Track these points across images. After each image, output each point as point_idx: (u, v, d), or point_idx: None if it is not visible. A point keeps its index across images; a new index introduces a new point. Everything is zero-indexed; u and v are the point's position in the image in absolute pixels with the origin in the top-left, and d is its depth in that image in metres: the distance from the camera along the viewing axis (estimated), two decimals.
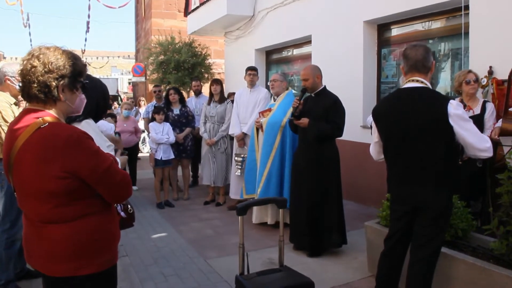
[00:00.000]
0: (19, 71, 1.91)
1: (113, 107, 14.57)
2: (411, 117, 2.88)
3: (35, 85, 1.85)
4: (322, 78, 4.81)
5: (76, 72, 1.97)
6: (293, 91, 7.13)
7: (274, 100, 5.79)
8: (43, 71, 1.85)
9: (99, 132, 2.57)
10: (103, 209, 1.99)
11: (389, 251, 3.17)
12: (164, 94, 8.13)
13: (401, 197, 3.03)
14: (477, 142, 2.77)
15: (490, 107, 4.36)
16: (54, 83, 1.87)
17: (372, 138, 3.25)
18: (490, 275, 2.95)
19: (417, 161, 2.89)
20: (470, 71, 4.49)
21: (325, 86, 4.82)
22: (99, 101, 2.69)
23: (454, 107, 2.76)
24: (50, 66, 1.87)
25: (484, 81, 4.76)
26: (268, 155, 5.42)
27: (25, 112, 1.92)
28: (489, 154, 2.81)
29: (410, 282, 2.96)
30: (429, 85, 2.97)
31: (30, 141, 1.82)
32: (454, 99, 4.61)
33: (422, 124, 2.84)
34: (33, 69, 1.85)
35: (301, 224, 4.67)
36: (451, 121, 2.75)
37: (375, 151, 3.25)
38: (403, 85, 3.07)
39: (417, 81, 2.95)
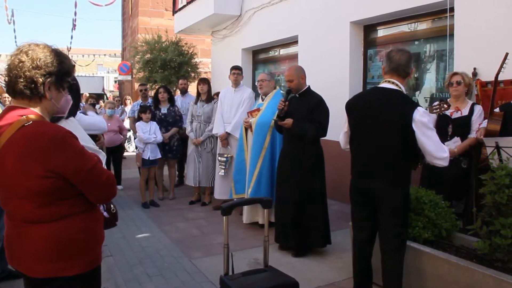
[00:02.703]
0: (6, 66, 1.87)
1: (98, 106, 14.43)
2: (378, 115, 3.07)
3: (22, 80, 1.82)
4: (306, 78, 4.82)
5: (64, 71, 1.94)
6: (281, 92, 7.13)
7: (262, 99, 5.77)
8: (30, 66, 1.82)
9: (82, 130, 2.55)
10: (87, 209, 1.95)
11: (357, 244, 3.37)
12: (150, 92, 8.08)
13: (360, 188, 3.24)
14: (435, 150, 2.96)
15: (478, 109, 4.40)
16: (41, 80, 1.84)
17: (342, 129, 3.46)
18: (473, 274, 2.98)
19: (377, 156, 3.09)
20: (455, 73, 4.53)
21: (309, 86, 4.82)
22: (75, 97, 2.67)
23: (420, 114, 2.94)
24: (38, 62, 1.84)
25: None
26: (258, 155, 5.40)
27: (9, 109, 1.88)
28: (445, 163, 3.00)
29: (385, 278, 3.13)
30: (403, 89, 3.14)
31: (13, 139, 1.78)
32: (443, 100, 4.69)
33: (387, 122, 3.02)
34: (20, 64, 1.82)
35: (286, 224, 4.67)
36: (414, 126, 2.93)
37: (343, 141, 3.48)
38: (379, 84, 3.24)
39: (393, 83, 3.12)
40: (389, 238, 3.10)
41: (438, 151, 2.96)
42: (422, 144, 2.95)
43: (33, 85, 1.84)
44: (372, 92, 3.32)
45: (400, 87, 3.11)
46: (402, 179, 3.09)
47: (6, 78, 1.88)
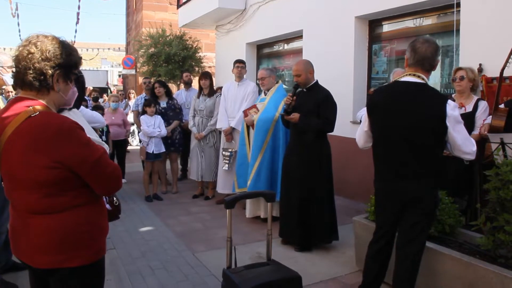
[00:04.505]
0: (14, 57, 1.87)
1: (102, 100, 14.45)
2: (408, 111, 2.88)
3: (31, 72, 1.82)
4: (314, 72, 4.80)
5: (72, 63, 1.95)
6: (284, 86, 7.11)
7: (265, 94, 5.76)
8: (40, 58, 1.82)
9: (85, 122, 2.55)
10: (92, 200, 1.96)
11: (376, 246, 3.20)
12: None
13: (392, 191, 3.02)
14: (464, 145, 2.84)
15: (482, 105, 4.37)
16: (50, 72, 1.85)
17: (360, 127, 3.23)
18: (476, 270, 2.97)
19: (413, 155, 2.90)
20: (459, 69, 4.51)
21: (317, 81, 4.79)
22: (79, 91, 2.67)
23: (451, 108, 2.80)
24: (47, 54, 1.84)
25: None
26: (259, 149, 5.40)
27: (15, 101, 1.88)
28: (472, 157, 2.90)
29: (398, 277, 2.99)
30: (427, 82, 2.97)
31: (20, 130, 1.78)
32: (447, 95, 4.66)
33: (419, 119, 2.85)
34: (30, 56, 1.82)
35: (291, 219, 4.66)
36: (447, 121, 2.79)
37: (362, 140, 3.22)
38: (401, 78, 3.03)
39: (418, 76, 2.93)
40: (412, 240, 2.94)
41: (467, 145, 2.83)
42: (453, 139, 2.82)
43: (42, 77, 1.84)
44: (397, 87, 3.04)
45: (425, 81, 2.93)
46: (437, 177, 2.94)
47: (14, 69, 1.87)
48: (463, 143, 2.83)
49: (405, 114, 2.89)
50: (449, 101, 2.82)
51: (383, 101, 3.04)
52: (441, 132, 2.83)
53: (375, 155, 3.14)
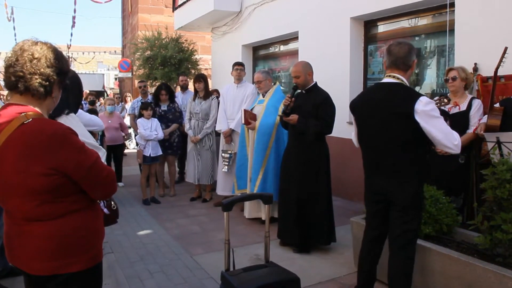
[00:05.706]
0: (13, 62, 1.81)
1: (98, 103, 14.42)
2: (380, 111, 3.01)
3: (37, 77, 1.80)
4: (313, 74, 4.80)
5: (67, 70, 1.96)
6: (281, 88, 7.11)
7: (263, 96, 5.76)
8: (45, 64, 1.82)
9: (82, 126, 2.55)
10: (87, 206, 1.95)
11: (366, 241, 3.33)
12: (152, 89, 8.10)
13: (373, 187, 3.18)
14: (444, 138, 2.87)
15: (476, 103, 4.38)
16: (55, 78, 1.85)
17: (353, 127, 3.41)
18: (474, 269, 2.97)
19: (385, 153, 3.04)
20: (451, 69, 4.53)
21: (316, 83, 4.79)
22: (77, 94, 2.68)
23: (423, 104, 2.85)
24: (51, 60, 1.84)
25: None
26: (263, 154, 5.39)
27: (6, 107, 1.86)
28: (456, 151, 2.92)
29: (392, 274, 3.06)
30: (405, 82, 3.06)
31: (13, 137, 1.76)
32: (443, 95, 4.67)
33: (390, 118, 2.97)
34: (35, 61, 1.80)
35: (290, 220, 4.66)
36: (417, 117, 2.85)
37: (355, 139, 3.43)
38: (381, 80, 3.19)
39: (394, 77, 3.06)
40: (398, 236, 3.02)
41: (447, 139, 2.86)
42: (431, 134, 2.86)
43: (47, 83, 1.84)
44: (373, 89, 3.28)
45: (402, 81, 3.03)
46: (412, 175, 2.99)
47: (18, 73, 1.81)
48: (442, 137, 2.87)
49: (377, 113, 3.04)
50: (422, 98, 2.87)
51: (360, 102, 3.25)
52: (412, 128, 2.89)
53: (361, 151, 3.30)
